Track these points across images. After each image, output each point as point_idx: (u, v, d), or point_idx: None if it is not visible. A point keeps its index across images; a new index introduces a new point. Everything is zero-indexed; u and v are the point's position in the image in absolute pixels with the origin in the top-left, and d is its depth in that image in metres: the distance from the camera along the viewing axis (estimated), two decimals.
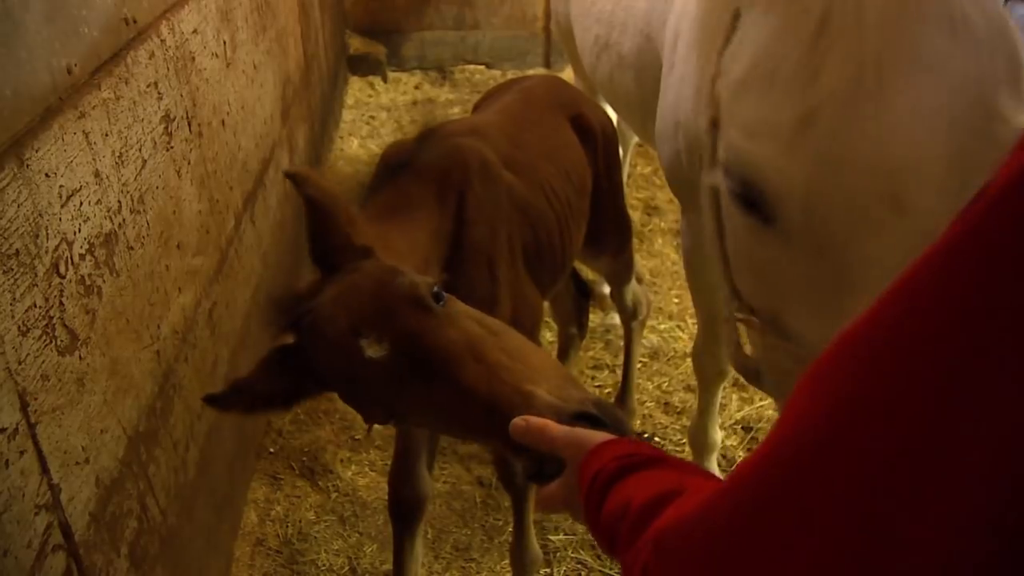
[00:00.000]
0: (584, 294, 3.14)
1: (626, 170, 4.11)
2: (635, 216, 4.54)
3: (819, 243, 1.28)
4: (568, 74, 3.99)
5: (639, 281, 3.08)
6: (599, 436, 1.05)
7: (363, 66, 6.49)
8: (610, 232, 2.62)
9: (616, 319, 3.43)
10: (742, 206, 1.37)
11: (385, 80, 6.49)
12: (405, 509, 2.24)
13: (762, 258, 1.40)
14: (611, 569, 2.55)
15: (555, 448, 1.08)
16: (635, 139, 3.89)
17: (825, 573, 0.55)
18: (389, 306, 1.31)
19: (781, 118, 1.26)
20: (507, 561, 2.55)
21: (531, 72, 6.71)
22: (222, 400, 1.35)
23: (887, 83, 1.19)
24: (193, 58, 2.20)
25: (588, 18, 2.82)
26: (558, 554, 2.60)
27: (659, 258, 4.13)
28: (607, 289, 3.46)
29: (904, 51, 1.19)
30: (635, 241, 4.28)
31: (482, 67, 6.77)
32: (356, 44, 6.57)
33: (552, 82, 2.64)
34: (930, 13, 1.18)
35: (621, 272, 2.88)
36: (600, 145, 2.50)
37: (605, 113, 2.70)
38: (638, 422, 3.11)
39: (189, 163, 2.15)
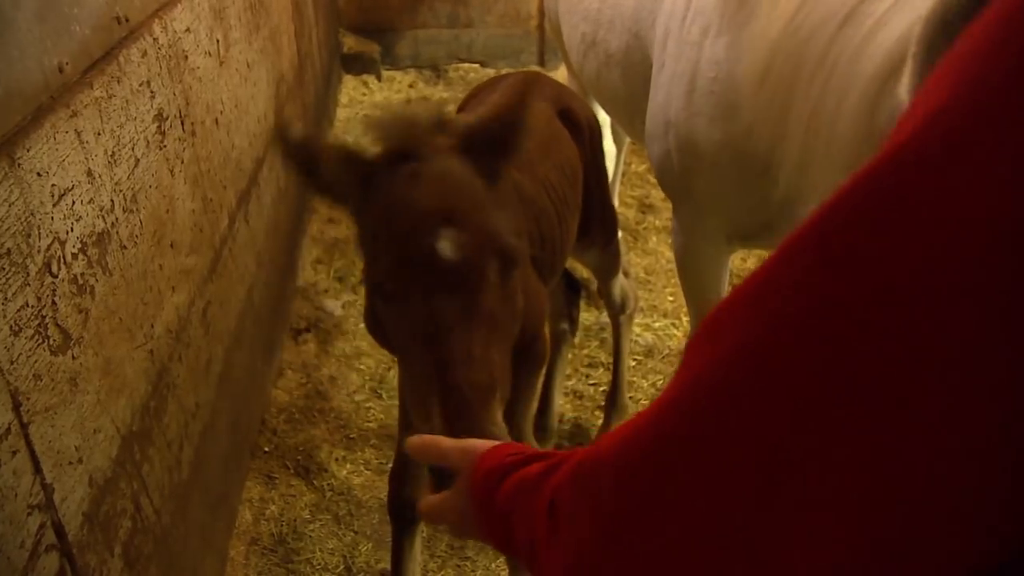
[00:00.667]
0: (575, 290, 3.14)
1: (620, 168, 4.12)
2: (629, 214, 4.54)
3: None
4: (562, 72, 3.98)
5: (626, 275, 3.08)
6: (489, 442, 1.06)
7: (357, 65, 6.48)
8: (598, 224, 2.63)
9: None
10: None
11: (379, 79, 6.49)
12: (407, 510, 2.22)
13: None
14: None
15: (446, 460, 1.10)
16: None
17: (727, 518, 0.56)
18: (490, 230, 1.31)
19: None
20: (502, 560, 2.55)
21: (524, 71, 6.71)
22: (296, 147, 1.40)
23: None
24: (186, 56, 2.20)
25: (575, 16, 2.82)
26: None
27: (653, 256, 4.13)
28: None
29: None
30: (629, 239, 4.29)
31: (476, 65, 6.77)
32: (350, 42, 6.56)
33: (536, 78, 2.65)
34: None
35: (608, 265, 2.89)
36: (587, 138, 2.52)
37: (589, 106, 2.71)
38: None
39: (182, 162, 2.14)
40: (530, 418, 2.27)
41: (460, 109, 2.60)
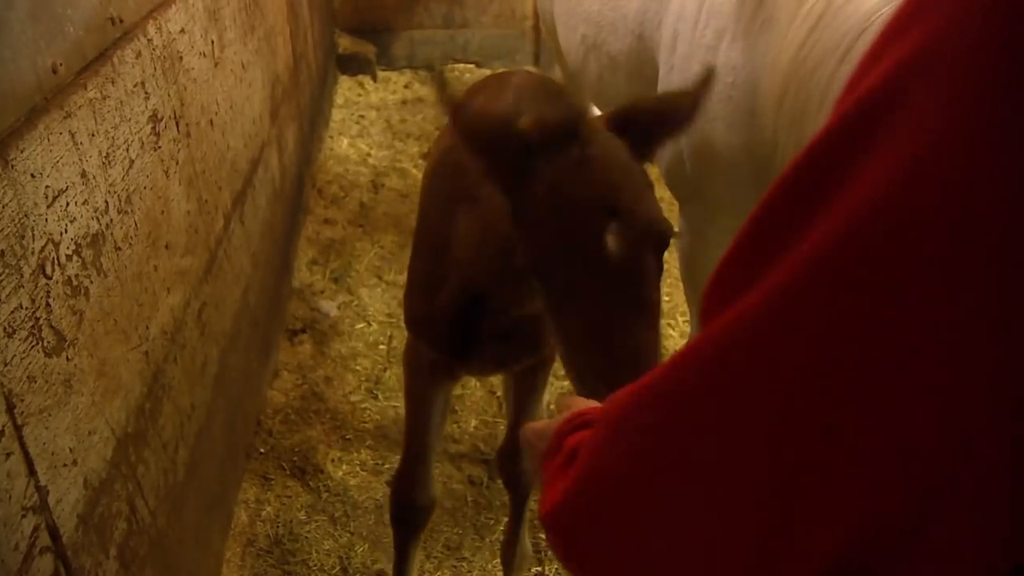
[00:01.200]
0: None
1: None
2: None
3: None
4: (557, 73, 3.98)
5: None
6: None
7: (353, 65, 6.48)
8: None
9: None
10: None
11: (375, 79, 6.48)
12: (413, 516, 2.22)
13: None
14: None
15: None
16: None
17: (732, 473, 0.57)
18: (652, 218, 1.31)
19: None
20: (497, 560, 2.55)
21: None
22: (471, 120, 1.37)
23: None
24: (181, 57, 2.19)
25: (573, 17, 2.81)
26: (549, 552, 2.60)
27: None
28: None
29: None
30: None
31: (472, 66, 6.77)
32: (345, 43, 6.56)
33: (536, 77, 2.65)
34: None
35: None
36: None
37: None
38: None
39: (177, 163, 2.14)
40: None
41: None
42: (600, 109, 3.10)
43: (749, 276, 0.58)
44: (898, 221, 0.48)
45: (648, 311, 1.29)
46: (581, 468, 0.76)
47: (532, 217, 1.34)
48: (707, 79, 1.47)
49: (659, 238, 1.31)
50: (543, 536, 2.64)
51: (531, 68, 6.67)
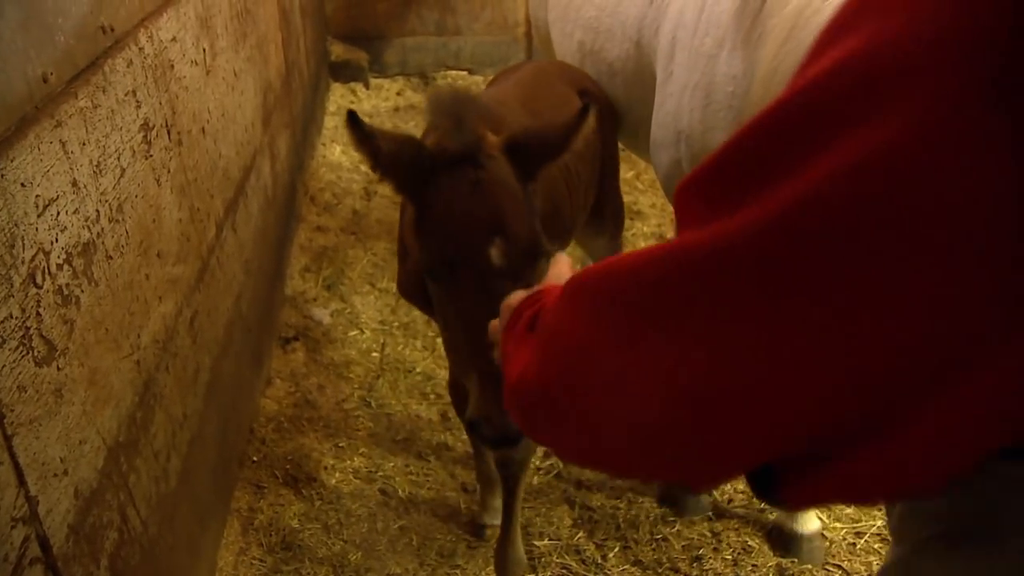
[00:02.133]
0: None
1: None
2: None
3: None
4: None
5: None
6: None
7: (345, 72, 6.48)
8: (611, 209, 2.68)
9: None
10: None
11: (367, 86, 6.49)
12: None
13: None
14: (596, 573, 2.55)
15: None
16: None
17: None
18: (532, 237, 1.55)
19: None
20: (491, 568, 2.55)
21: None
22: (360, 128, 1.56)
23: None
24: (172, 66, 2.19)
25: (569, 24, 2.81)
26: (543, 559, 2.59)
27: None
28: None
29: None
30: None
31: (464, 73, 6.78)
32: (338, 50, 6.56)
33: (560, 64, 2.80)
34: None
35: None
36: (604, 118, 2.55)
37: (604, 90, 2.74)
38: None
39: (169, 171, 2.14)
40: None
41: (491, 84, 2.72)
42: None
43: (724, 196, 0.61)
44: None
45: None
46: (542, 331, 0.80)
47: (428, 227, 1.56)
48: (584, 113, 1.64)
49: (537, 255, 1.55)
50: (537, 543, 2.64)
51: None
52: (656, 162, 2.37)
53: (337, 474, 2.93)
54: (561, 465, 2.94)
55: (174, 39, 2.22)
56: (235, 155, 2.97)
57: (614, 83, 2.57)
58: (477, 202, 1.52)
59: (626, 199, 4.73)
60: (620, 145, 3.85)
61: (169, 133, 2.15)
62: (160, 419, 1.96)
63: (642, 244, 4.29)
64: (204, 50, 2.56)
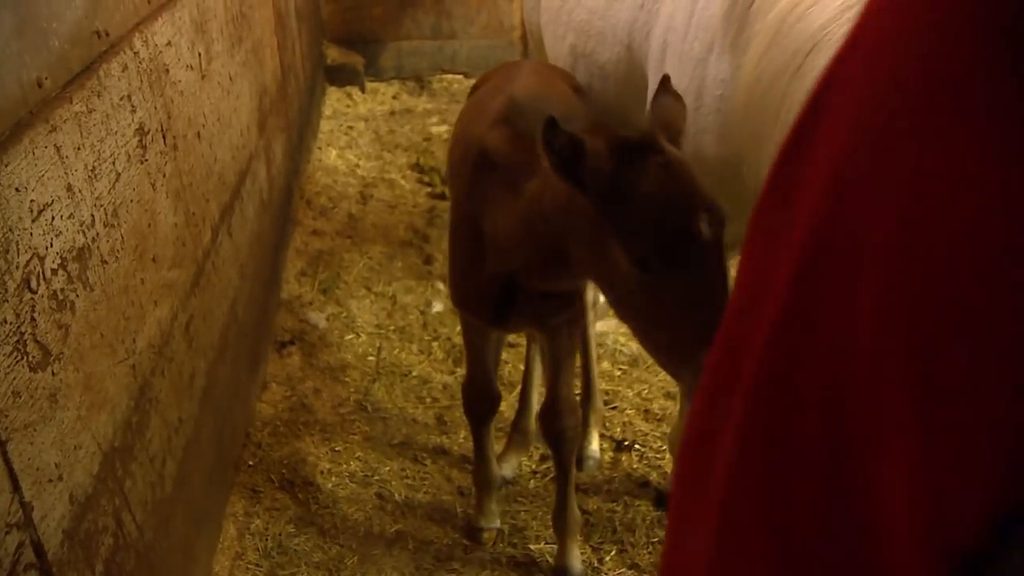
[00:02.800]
0: None
1: None
2: None
3: None
4: None
5: None
6: None
7: (341, 76, 6.49)
8: None
9: (599, 325, 3.43)
10: None
11: (363, 90, 6.49)
12: (480, 406, 2.56)
13: None
14: None
15: None
16: None
17: None
18: (725, 212, 1.56)
19: None
20: (488, 571, 2.55)
21: None
22: (563, 133, 1.59)
23: None
24: (167, 70, 2.19)
25: (561, 27, 2.81)
26: (539, 563, 2.59)
27: None
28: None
29: None
30: None
31: (460, 76, 6.78)
32: (333, 54, 6.57)
33: (542, 63, 2.86)
34: None
35: None
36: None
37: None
38: (618, 429, 3.12)
39: (164, 176, 2.14)
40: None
41: (477, 85, 2.72)
42: None
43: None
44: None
45: (727, 277, 1.56)
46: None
47: (634, 215, 1.56)
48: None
49: (725, 222, 1.57)
50: (533, 547, 2.64)
51: None
52: None
53: (333, 478, 2.92)
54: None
55: (169, 43, 2.22)
56: (230, 159, 2.97)
57: (606, 86, 2.57)
58: (679, 181, 1.56)
59: None
60: None
61: (164, 138, 2.15)
62: (156, 424, 1.96)
63: None
64: (199, 54, 2.56)
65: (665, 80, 1.87)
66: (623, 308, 1.70)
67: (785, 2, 1.68)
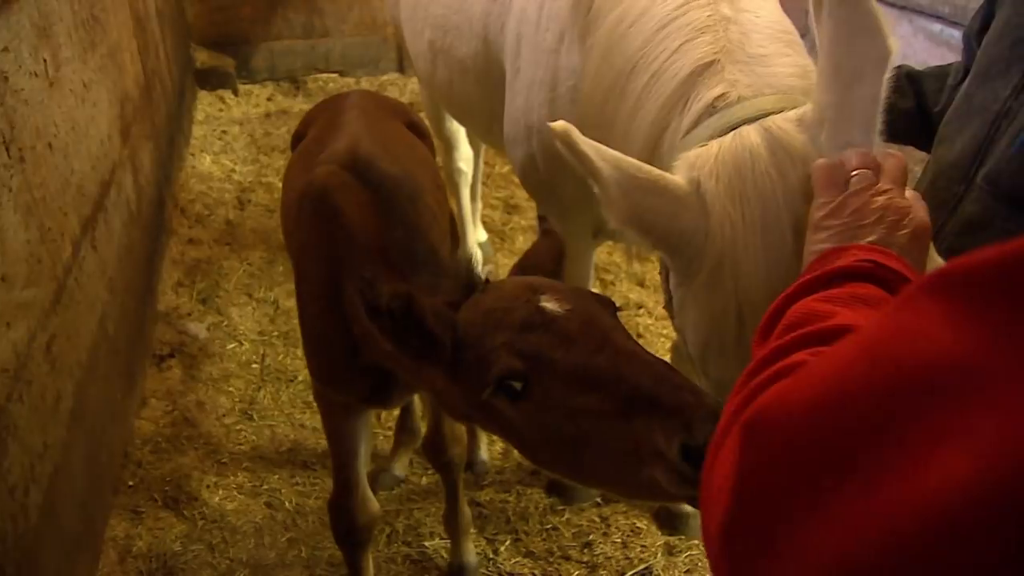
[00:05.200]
0: None
1: (480, 170, 4.13)
2: (495, 215, 4.57)
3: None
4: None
5: None
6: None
7: (212, 80, 6.30)
8: (453, 222, 2.66)
9: None
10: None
11: (236, 93, 6.32)
12: (357, 535, 2.19)
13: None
14: (489, 568, 2.56)
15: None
16: None
17: None
18: (580, 292, 1.41)
19: None
20: (383, 573, 2.52)
21: (384, 78, 6.66)
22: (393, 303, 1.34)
23: None
24: (6, 78, 2.08)
25: (419, 23, 2.79)
26: (435, 559, 2.59)
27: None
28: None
29: None
30: (496, 240, 4.32)
31: (335, 75, 6.68)
32: (203, 57, 6.37)
33: (371, 95, 2.65)
34: None
35: None
36: (431, 145, 2.54)
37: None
38: None
39: (11, 190, 2.03)
40: None
41: (299, 135, 2.51)
42: (452, 114, 3.10)
43: None
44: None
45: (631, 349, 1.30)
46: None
47: (481, 352, 1.35)
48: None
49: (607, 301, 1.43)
50: (428, 544, 2.63)
51: (395, 75, 6.65)
52: (511, 157, 2.39)
53: (220, 491, 2.85)
54: None
55: (6, 49, 2.11)
56: (91, 170, 2.85)
57: (466, 80, 2.56)
58: (508, 287, 1.45)
59: (502, 194, 4.77)
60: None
61: (8, 150, 2.04)
62: (14, 451, 1.86)
63: (520, 238, 4.32)
64: (45, 60, 2.44)
65: (541, 220, 1.80)
66: (546, 454, 1.36)
67: (620, 9, 1.69)
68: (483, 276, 1.50)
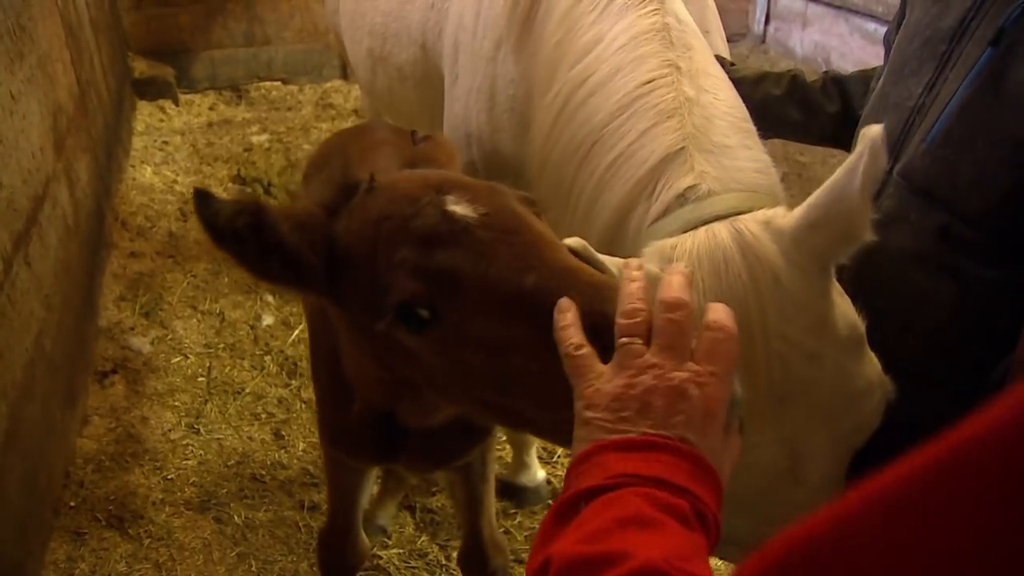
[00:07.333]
0: None
1: None
2: None
3: None
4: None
5: None
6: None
7: (151, 89, 6.18)
8: None
9: None
10: None
11: (176, 103, 6.22)
12: (346, 573, 2.13)
13: None
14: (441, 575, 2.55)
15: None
16: None
17: None
18: (495, 190, 1.13)
19: None
20: None
21: (328, 85, 6.59)
22: (225, 210, 1.07)
23: None
24: None
25: (359, 31, 2.77)
26: (389, 567, 2.56)
27: None
28: None
29: None
30: None
31: (278, 83, 6.61)
32: (141, 67, 6.26)
33: (386, 127, 2.43)
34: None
35: None
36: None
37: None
38: None
39: None
40: None
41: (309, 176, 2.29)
42: (394, 120, 3.08)
43: None
44: None
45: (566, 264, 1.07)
46: None
47: (368, 267, 1.11)
48: None
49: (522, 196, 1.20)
50: (381, 553, 2.60)
51: (339, 82, 6.59)
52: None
53: (167, 508, 2.79)
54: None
55: None
56: (21, 184, 2.78)
57: (405, 87, 2.55)
58: (404, 183, 1.18)
59: None
60: None
61: None
62: None
63: None
64: None
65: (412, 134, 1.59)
66: (458, 391, 1.13)
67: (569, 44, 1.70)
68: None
